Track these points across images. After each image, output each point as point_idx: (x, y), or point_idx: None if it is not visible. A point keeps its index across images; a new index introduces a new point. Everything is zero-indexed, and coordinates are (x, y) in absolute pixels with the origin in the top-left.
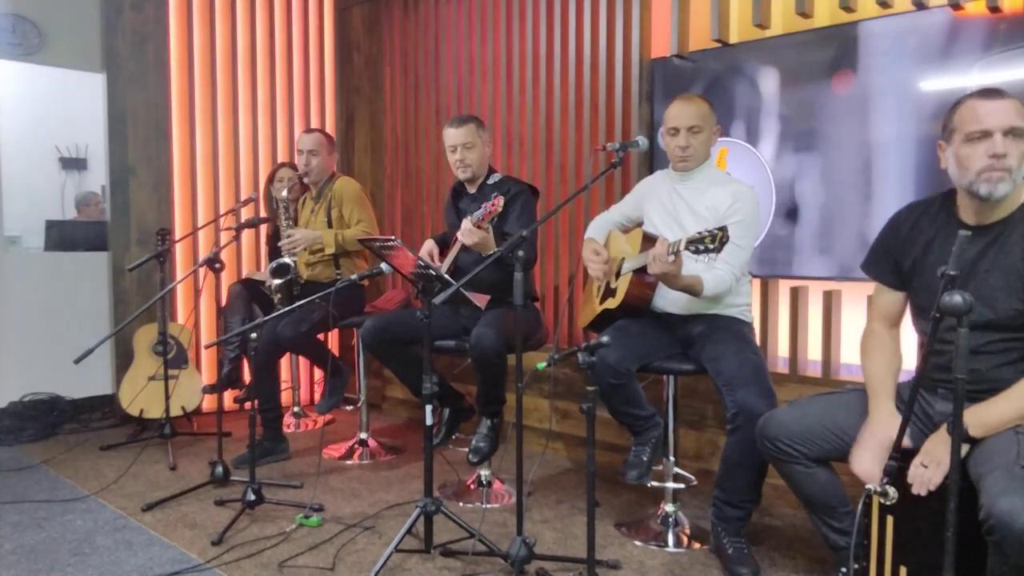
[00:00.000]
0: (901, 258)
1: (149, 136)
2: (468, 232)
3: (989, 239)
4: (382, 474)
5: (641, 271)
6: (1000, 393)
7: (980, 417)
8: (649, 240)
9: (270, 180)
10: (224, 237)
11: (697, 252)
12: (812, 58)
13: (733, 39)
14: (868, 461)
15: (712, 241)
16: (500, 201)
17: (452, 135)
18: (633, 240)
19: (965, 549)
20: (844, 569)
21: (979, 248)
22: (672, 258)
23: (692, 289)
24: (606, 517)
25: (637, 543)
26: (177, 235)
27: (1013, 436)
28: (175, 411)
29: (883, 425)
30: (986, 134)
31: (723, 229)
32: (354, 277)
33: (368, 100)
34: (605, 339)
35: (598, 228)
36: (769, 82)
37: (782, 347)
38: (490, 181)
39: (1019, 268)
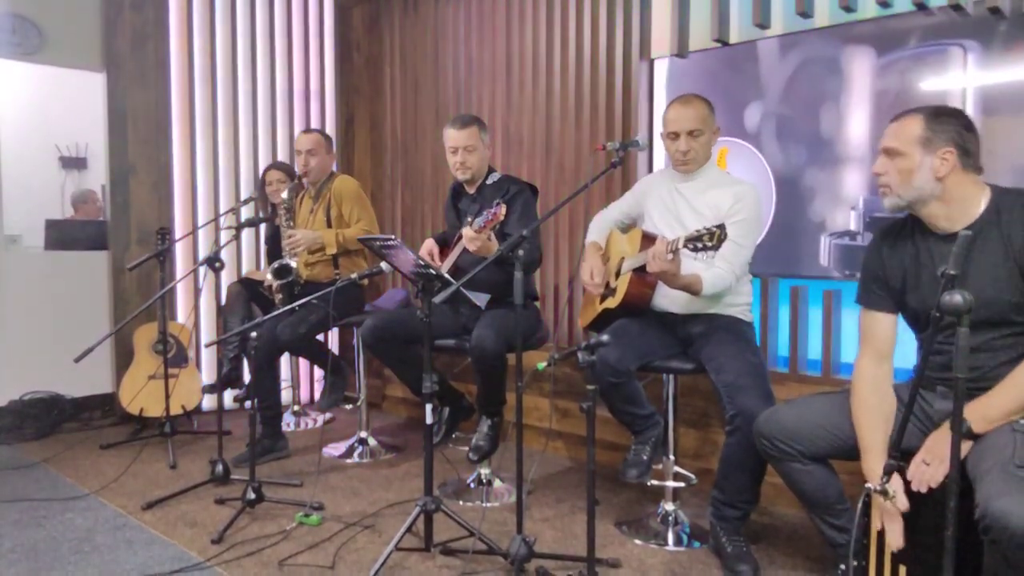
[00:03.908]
0: (890, 279)
1: (149, 135)
2: (470, 239)
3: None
4: (382, 473)
5: (641, 270)
6: (996, 386)
7: (981, 412)
8: (648, 239)
9: (262, 184)
10: (224, 236)
11: (696, 250)
12: (813, 58)
13: (733, 39)
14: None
15: (711, 239)
16: (503, 210)
17: (454, 136)
18: (632, 239)
19: (963, 547)
20: (843, 566)
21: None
22: (671, 256)
23: (691, 288)
24: (606, 516)
25: (637, 542)
26: (177, 234)
27: (1010, 435)
28: (175, 410)
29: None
30: (877, 155)
31: (721, 227)
32: (354, 276)
33: (368, 100)
34: (605, 338)
35: (598, 228)
36: (770, 82)
37: (782, 346)
38: (489, 181)
39: (1001, 264)
